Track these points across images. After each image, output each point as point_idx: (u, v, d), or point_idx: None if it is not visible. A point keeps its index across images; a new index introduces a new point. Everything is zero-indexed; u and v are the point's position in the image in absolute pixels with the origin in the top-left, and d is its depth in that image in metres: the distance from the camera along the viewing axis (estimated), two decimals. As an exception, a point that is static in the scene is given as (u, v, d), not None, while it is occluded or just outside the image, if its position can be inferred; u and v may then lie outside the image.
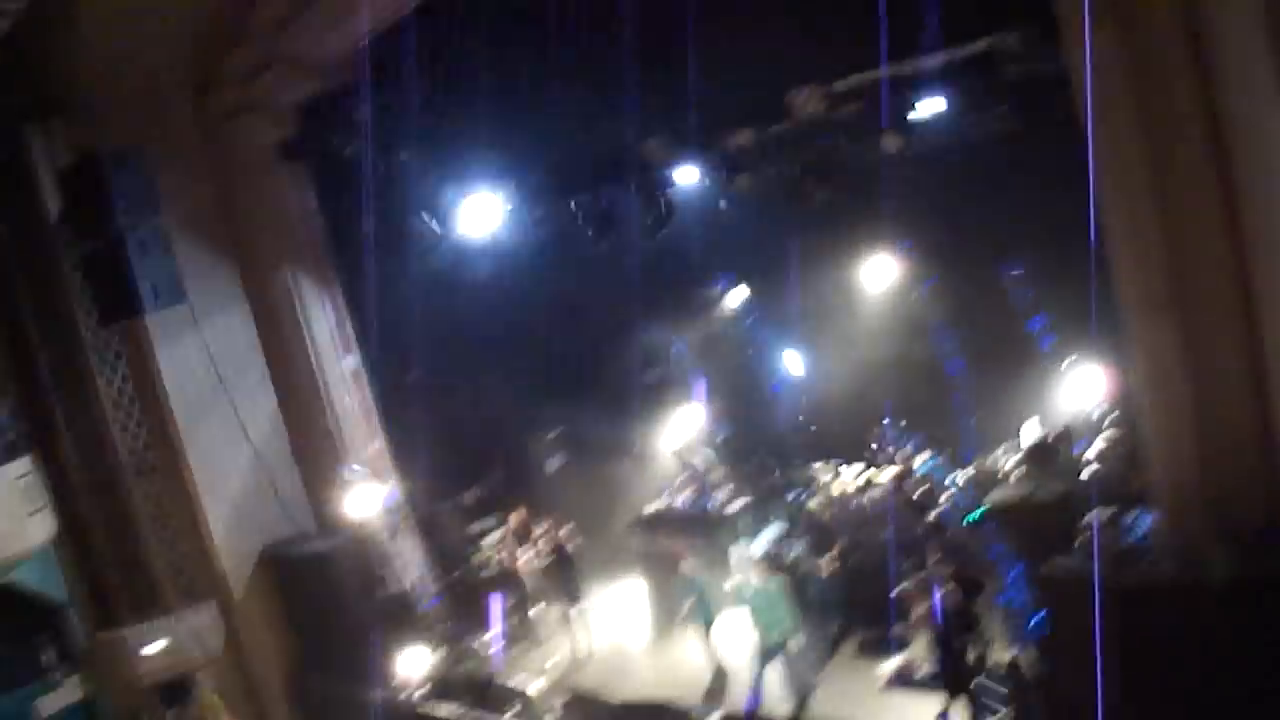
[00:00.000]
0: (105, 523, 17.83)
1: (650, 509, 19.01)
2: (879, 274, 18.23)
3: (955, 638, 13.08)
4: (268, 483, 18.88)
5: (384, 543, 18.32)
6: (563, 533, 17.92)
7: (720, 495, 18.77)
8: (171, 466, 18.07)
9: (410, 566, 18.24)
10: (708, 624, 16.22)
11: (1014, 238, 14.36)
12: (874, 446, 18.08)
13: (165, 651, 17.46)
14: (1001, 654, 12.98)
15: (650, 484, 19.87)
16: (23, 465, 16.80)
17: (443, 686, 17.29)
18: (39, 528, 16.84)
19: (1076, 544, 12.15)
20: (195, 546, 18.30)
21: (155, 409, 17.95)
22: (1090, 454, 15.40)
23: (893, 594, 14.46)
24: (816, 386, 19.75)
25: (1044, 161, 13.04)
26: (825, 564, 15.80)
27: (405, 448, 19.87)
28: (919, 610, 13.69)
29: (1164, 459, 11.27)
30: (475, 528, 20.09)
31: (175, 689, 17.51)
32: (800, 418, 21.02)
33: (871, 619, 15.73)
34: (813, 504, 16.53)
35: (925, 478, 13.34)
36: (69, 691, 17.47)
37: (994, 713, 12.78)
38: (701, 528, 18.13)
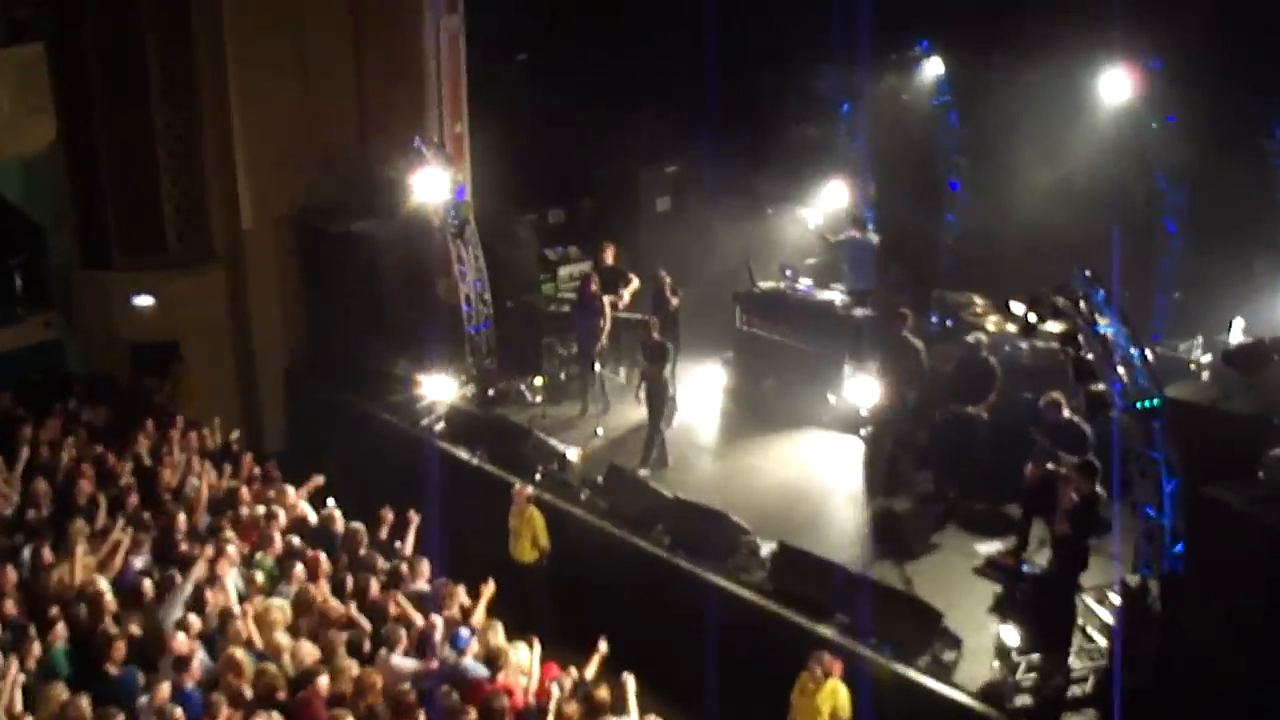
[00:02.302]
0: (114, 143, 18.35)
1: (766, 285, 18.01)
2: (1112, 89, 16.89)
3: (1076, 541, 12.25)
4: (321, 140, 18.90)
5: (442, 242, 18.16)
6: (669, 282, 17.42)
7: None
8: (210, 96, 18.33)
9: (466, 278, 17.87)
10: None
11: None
12: (1050, 290, 16.87)
13: (155, 308, 18.30)
14: (1127, 575, 12.20)
15: (773, 255, 18.74)
16: (32, 53, 17.23)
17: (467, 427, 17.24)
18: (36, 131, 17.36)
19: (1254, 477, 11.28)
20: (217, 194, 18.61)
21: (208, 28, 18.07)
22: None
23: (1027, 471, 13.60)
24: (997, 200, 18.41)
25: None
26: (981, 408, 14.88)
27: (492, 139, 19.60)
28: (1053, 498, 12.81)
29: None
30: (552, 254, 19.67)
31: (158, 354, 18.10)
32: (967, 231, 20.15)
33: (986, 487, 14.98)
34: (971, 338, 15.43)
35: (1102, 340, 12.03)
36: (33, 329, 18.10)
37: (1089, 640, 12.16)
38: (818, 324, 17.14)
